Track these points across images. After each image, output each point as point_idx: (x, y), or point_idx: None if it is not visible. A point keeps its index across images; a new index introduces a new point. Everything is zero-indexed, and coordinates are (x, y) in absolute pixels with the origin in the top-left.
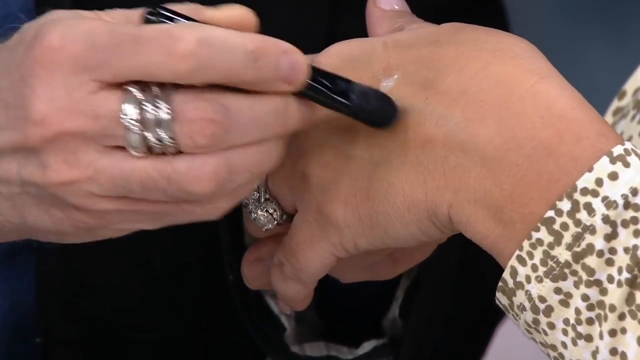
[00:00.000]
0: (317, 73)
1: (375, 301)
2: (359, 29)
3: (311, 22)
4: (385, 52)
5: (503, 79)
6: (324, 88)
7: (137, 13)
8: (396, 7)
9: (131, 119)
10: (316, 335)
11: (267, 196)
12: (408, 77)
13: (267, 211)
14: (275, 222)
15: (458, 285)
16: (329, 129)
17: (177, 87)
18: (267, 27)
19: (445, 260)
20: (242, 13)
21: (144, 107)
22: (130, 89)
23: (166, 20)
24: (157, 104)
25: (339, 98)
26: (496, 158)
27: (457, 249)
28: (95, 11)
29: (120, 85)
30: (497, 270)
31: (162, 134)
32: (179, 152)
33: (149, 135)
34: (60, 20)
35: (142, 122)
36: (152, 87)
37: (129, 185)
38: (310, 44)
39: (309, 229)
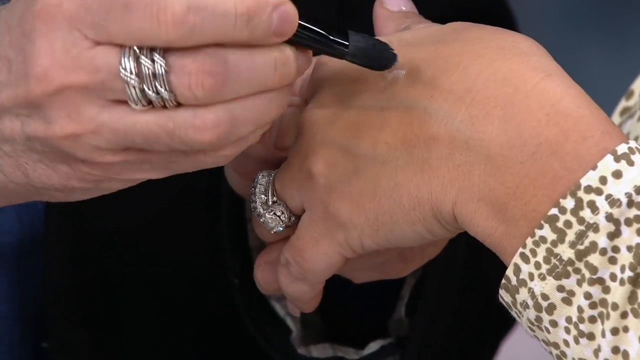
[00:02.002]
0: (309, 21)
1: (381, 301)
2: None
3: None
4: None
5: (508, 77)
6: (318, 36)
7: None
8: (403, 8)
9: (129, 73)
10: (322, 337)
11: (275, 199)
12: (413, 75)
13: (274, 214)
14: (284, 224)
15: (464, 283)
16: (335, 127)
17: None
18: None
19: (451, 258)
20: None
21: (141, 60)
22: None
23: None
24: (154, 58)
25: (336, 39)
26: (501, 155)
27: (463, 247)
28: None
29: (126, 45)
30: (501, 269)
31: (160, 88)
32: (180, 104)
33: (148, 89)
34: None
35: (140, 75)
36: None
37: (131, 139)
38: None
39: (316, 228)
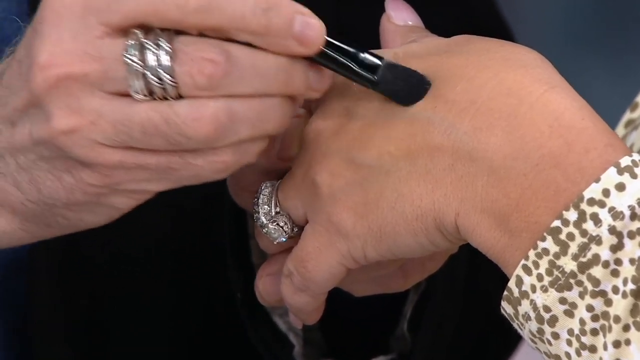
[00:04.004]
0: (338, 41)
1: (383, 317)
2: (365, 22)
3: (317, 8)
4: None
5: (513, 88)
6: (344, 58)
7: None
8: (410, 22)
9: (133, 60)
10: (324, 353)
11: (278, 209)
12: None
13: (277, 224)
14: (287, 235)
15: (466, 298)
16: (339, 138)
17: (181, 33)
18: None
19: (453, 272)
20: None
21: (146, 47)
22: (135, 31)
23: None
24: (160, 44)
25: (362, 72)
26: (504, 167)
27: (464, 262)
28: None
29: (126, 30)
30: (501, 284)
31: (163, 74)
32: (180, 97)
33: (150, 76)
34: None
35: (144, 62)
36: (157, 30)
37: (130, 131)
38: None
39: (319, 239)
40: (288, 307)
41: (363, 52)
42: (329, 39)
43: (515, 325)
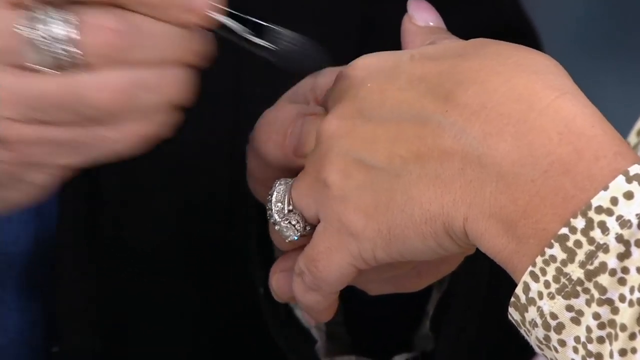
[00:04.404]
0: (234, 16)
1: (406, 316)
2: (393, 16)
3: (344, 13)
4: (411, 64)
5: (523, 94)
6: (242, 30)
7: None
8: (431, 23)
9: (32, 32)
10: (347, 349)
11: (291, 207)
12: (431, 89)
13: (290, 222)
14: (299, 233)
15: (489, 297)
16: (351, 138)
17: (83, 4)
18: (300, 20)
19: (476, 273)
20: None
21: (48, 18)
22: (27, 3)
23: None
24: (62, 15)
25: (257, 40)
26: (512, 173)
27: (488, 261)
28: None
29: (23, 3)
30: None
31: (66, 46)
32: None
33: (54, 49)
34: None
35: (46, 34)
36: (53, 1)
37: (40, 105)
38: (344, 35)
39: (329, 239)
40: (300, 305)
41: (257, 24)
42: (223, 9)
43: (522, 332)
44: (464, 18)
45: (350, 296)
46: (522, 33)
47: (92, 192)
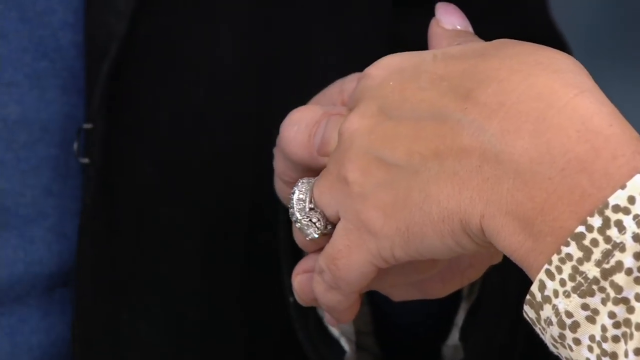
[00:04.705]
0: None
1: (435, 326)
2: (423, 32)
3: (373, 23)
4: (433, 64)
5: (542, 92)
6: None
7: None
8: (458, 26)
9: None
10: (376, 359)
11: (312, 205)
12: (453, 88)
13: (310, 220)
14: (319, 231)
15: (520, 307)
16: (371, 137)
17: None
18: (328, 32)
19: (506, 282)
20: None
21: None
22: None
23: None
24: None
25: None
26: (529, 170)
27: (516, 272)
28: None
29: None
30: None
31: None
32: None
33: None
34: None
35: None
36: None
37: None
38: (373, 45)
39: (349, 237)
40: (321, 305)
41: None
42: None
43: (537, 330)
44: (492, 29)
45: (379, 306)
46: (552, 44)
47: (111, 211)
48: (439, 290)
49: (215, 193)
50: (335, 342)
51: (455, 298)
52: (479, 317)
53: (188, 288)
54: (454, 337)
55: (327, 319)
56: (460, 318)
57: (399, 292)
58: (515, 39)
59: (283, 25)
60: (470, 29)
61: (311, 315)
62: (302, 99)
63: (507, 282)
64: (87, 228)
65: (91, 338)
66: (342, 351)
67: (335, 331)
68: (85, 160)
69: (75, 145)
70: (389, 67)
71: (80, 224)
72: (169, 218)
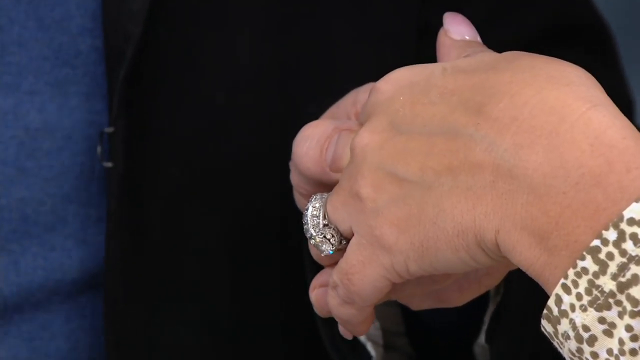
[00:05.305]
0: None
1: (467, 325)
2: None
3: (401, 21)
4: (443, 78)
5: (555, 106)
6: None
7: None
8: (467, 37)
9: None
10: None
11: (326, 222)
12: (463, 103)
13: (325, 237)
14: (334, 247)
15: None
16: (383, 152)
17: None
18: (357, 30)
19: (530, 285)
20: None
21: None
22: None
23: None
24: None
25: None
26: (544, 185)
27: None
28: None
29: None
30: None
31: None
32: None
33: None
34: None
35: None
36: None
37: None
38: (402, 43)
39: (363, 252)
40: (335, 318)
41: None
42: None
43: (555, 344)
44: (538, 15)
45: (409, 307)
46: (591, 28)
47: (137, 214)
48: (457, 299)
49: (242, 195)
50: (361, 347)
51: (486, 296)
52: (503, 319)
53: (218, 291)
54: (482, 338)
55: (342, 331)
56: (486, 319)
57: (417, 302)
58: (556, 24)
59: (302, 23)
60: (479, 39)
61: (337, 320)
62: (325, 99)
63: (531, 284)
64: (114, 232)
65: (123, 343)
66: (368, 356)
67: (362, 337)
68: (109, 164)
69: (98, 149)
70: (399, 81)
71: (107, 228)
72: (194, 220)
